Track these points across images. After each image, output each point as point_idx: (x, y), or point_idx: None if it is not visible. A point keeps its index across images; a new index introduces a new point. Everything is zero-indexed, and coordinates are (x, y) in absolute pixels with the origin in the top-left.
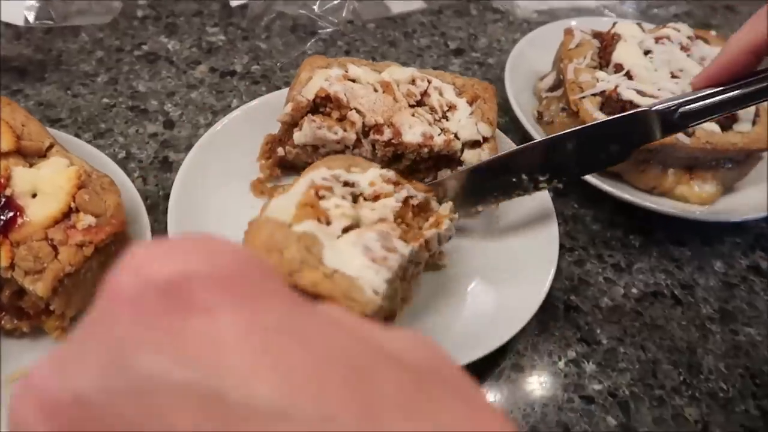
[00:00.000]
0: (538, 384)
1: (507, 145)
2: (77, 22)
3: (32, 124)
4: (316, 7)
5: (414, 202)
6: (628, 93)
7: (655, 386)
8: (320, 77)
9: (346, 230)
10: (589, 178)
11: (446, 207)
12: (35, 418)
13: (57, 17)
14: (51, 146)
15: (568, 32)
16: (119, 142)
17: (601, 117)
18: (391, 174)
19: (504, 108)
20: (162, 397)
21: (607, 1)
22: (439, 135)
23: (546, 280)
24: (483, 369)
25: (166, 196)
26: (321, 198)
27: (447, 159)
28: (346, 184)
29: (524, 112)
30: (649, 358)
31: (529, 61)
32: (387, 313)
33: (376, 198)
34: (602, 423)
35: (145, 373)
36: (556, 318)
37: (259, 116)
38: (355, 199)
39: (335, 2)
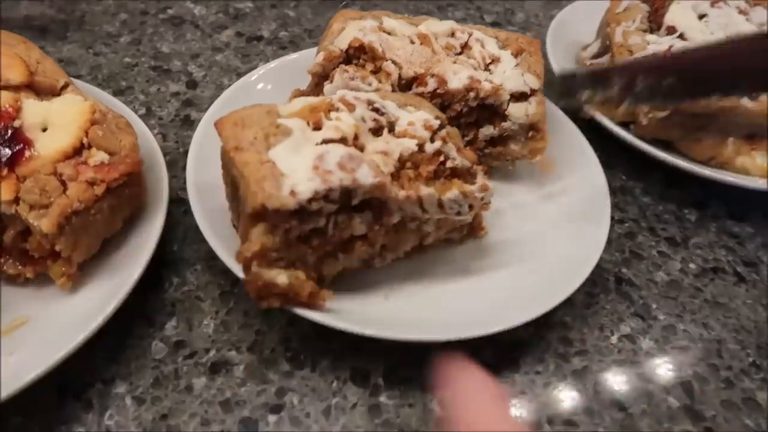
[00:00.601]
0: (588, 359)
1: (549, 108)
2: None
3: (47, 62)
4: None
5: (451, 164)
6: None
7: (722, 367)
8: (354, 28)
9: (328, 141)
10: (643, 145)
11: (486, 194)
12: None
13: None
14: (66, 86)
15: None
16: (140, 100)
17: None
18: (437, 124)
19: (546, 81)
20: None
21: None
22: (485, 80)
23: (596, 248)
24: (527, 341)
25: (186, 153)
26: (335, 110)
27: (490, 113)
28: (375, 110)
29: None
30: (713, 337)
31: (569, 32)
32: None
33: (402, 136)
34: (663, 404)
35: None
36: (606, 291)
37: (285, 73)
38: (379, 129)
39: None
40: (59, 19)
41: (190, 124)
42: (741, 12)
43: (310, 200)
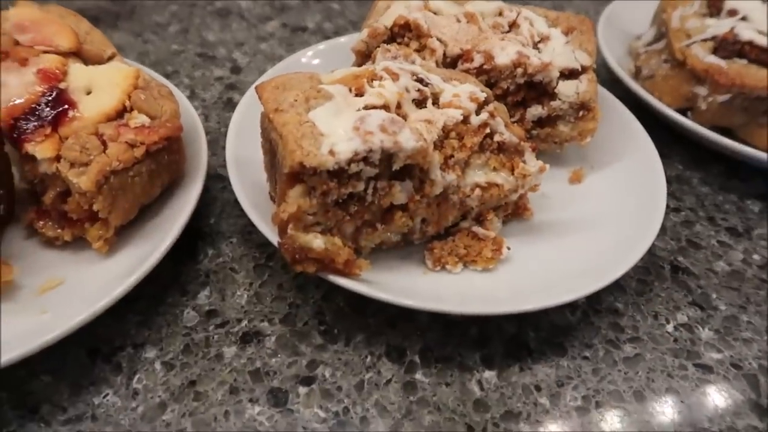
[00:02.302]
0: (642, 347)
1: (600, 90)
2: None
3: (96, 33)
4: None
5: (499, 138)
6: (747, 33)
7: None
8: (399, 6)
9: (370, 108)
10: (703, 131)
11: (535, 166)
12: None
13: None
14: (113, 56)
15: None
16: (184, 83)
17: (715, 61)
18: (483, 96)
19: (598, 72)
20: None
21: None
22: (535, 56)
23: (648, 234)
24: (575, 326)
25: (226, 133)
26: (378, 78)
27: (538, 92)
28: (419, 81)
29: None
30: None
31: (622, 23)
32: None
33: (447, 107)
34: (724, 396)
35: None
36: (661, 279)
37: (328, 55)
38: (423, 100)
39: None
40: (112, 10)
41: (232, 106)
42: None
43: (349, 161)
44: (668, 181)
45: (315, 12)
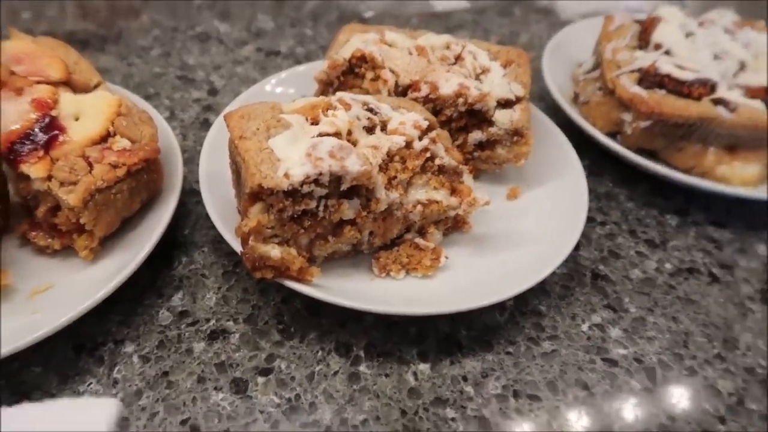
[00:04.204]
0: (558, 344)
1: (539, 117)
2: None
3: (83, 63)
4: None
5: (439, 161)
6: (666, 67)
7: (686, 357)
8: (357, 39)
9: (323, 135)
10: (631, 156)
11: (479, 198)
12: None
13: None
14: (99, 84)
15: (609, 17)
16: (165, 104)
17: (638, 91)
18: (425, 124)
19: (541, 94)
20: None
21: (654, 1)
22: (474, 88)
23: (567, 245)
24: (502, 326)
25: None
26: (333, 108)
27: (478, 119)
28: (370, 110)
29: (561, 96)
30: (680, 330)
31: (568, 52)
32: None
33: (393, 133)
34: (625, 386)
35: None
36: (582, 284)
37: (294, 81)
38: (373, 127)
39: None
40: (99, 35)
41: (208, 126)
42: (727, 32)
43: (302, 183)
44: (598, 197)
45: (288, 37)
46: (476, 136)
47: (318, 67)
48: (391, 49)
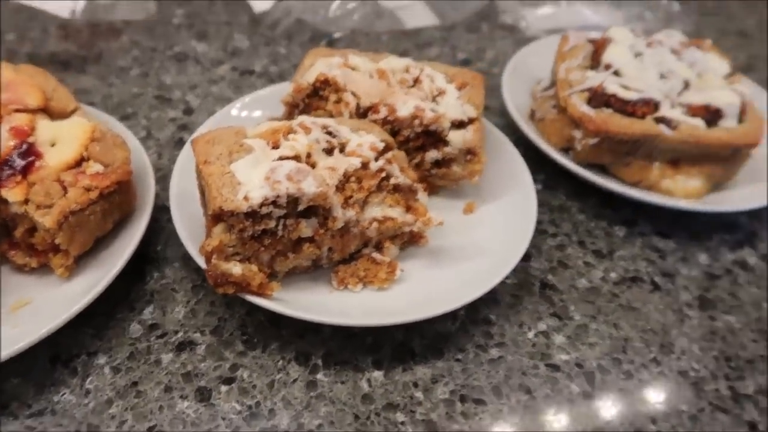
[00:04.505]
0: (505, 350)
1: (496, 135)
2: (112, 17)
3: (61, 90)
4: (330, 10)
5: (394, 181)
6: (612, 87)
7: (624, 361)
8: (322, 64)
9: (283, 158)
10: (579, 170)
11: (433, 218)
12: None
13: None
14: (75, 110)
15: (564, 37)
16: (142, 124)
17: (587, 110)
18: (381, 146)
19: (502, 110)
20: None
21: (617, 23)
22: (430, 110)
23: (514, 257)
24: (453, 334)
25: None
26: (293, 132)
27: (434, 139)
28: (329, 133)
29: (520, 113)
30: (620, 336)
31: (529, 68)
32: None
33: (351, 155)
34: (565, 390)
35: None
36: (531, 294)
37: (264, 102)
38: (332, 149)
39: (349, 6)
40: (80, 55)
41: (183, 145)
42: (674, 52)
43: (260, 205)
44: (551, 210)
45: (263, 56)
46: (432, 155)
47: (281, 90)
48: (353, 73)
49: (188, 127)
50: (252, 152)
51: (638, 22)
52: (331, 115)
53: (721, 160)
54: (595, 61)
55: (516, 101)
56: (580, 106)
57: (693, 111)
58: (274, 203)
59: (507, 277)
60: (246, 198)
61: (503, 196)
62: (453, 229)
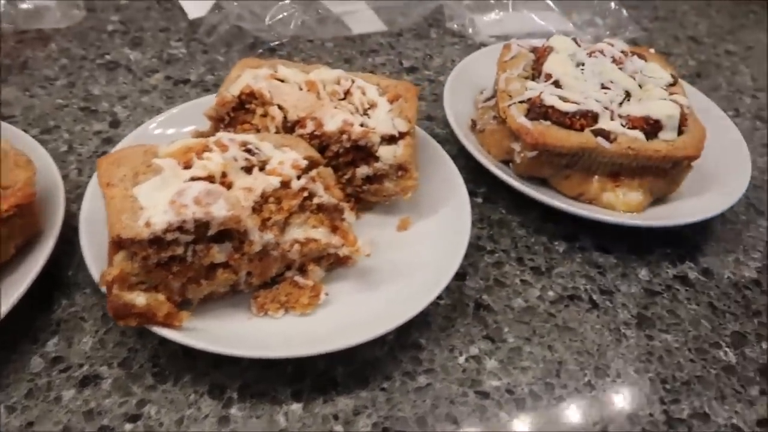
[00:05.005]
0: (433, 377)
1: (433, 147)
2: (38, 26)
3: None
4: (268, 17)
5: (318, 200)
6: (550, 99)
7: (557, 386)
8: (248, 75)
9: (196, 179)
10: (516, 184)
11: (361, 249)
12: None
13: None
14: None
15: (506, 46)
16: (63, 138)
17: (524, 122)
18: (304, 164)
19: (445, 120)
20: None
21: (566, 28)
22: (359, 125)
23: (447, 273)
24: (381, 360)
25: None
26: (209, 150)
27: (365, 154)
28: (248, 151)
29: (461, 123)
30: (555, 359)
31: (474, 77)
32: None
33: (271, 174)
34: (494, 418)
35: None
36: (464, 315)
37: (190, 115)
38: (251, 167)
39: (284, 15)
40: (4, 64)
41: None
42: (615, 61)
43: (164, 231)
44: (491, 225)
45: (199, 64)
46: (363, 170)
47: (209, 102)
48: (282, 85)
49: (113, 141)
50: (160, 173)
51: (589, 28)
52: (257, 130)
53: (662, 173)
54: (536, 71)
55: (459, 111)
56: (518, 117)
57: (632, 123)
58: (180, 229)
59: (440, 298)
60: (148, 224)
61: (439, 212)
62: (385, 247)
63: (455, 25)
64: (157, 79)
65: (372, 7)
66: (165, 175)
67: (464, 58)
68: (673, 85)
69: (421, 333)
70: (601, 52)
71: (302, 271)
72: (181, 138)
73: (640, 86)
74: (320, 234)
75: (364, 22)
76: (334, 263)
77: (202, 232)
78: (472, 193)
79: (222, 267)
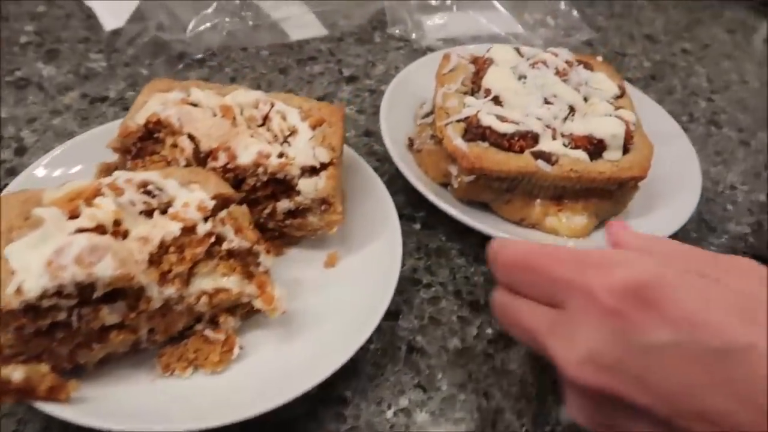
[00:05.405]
0: None
1: (365, 172)
2: None
3: None
4: (187, 32)
5: (228, 245)
6: (487, 119)
7: None
8: (156, 101)
9: (83, 230)
10: (453, 212)
11: (278, 307)
12: (595, 375)
13: None
14: None
15: (446, 57)
16: None
17: (460, 144)
18: (211, 205)
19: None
20: (668, 353)
21: (516, 30)
22: (278, 157)
23: (371, 321)
24: (301, 419)
25: None
26: (101, 195)
27: (285, 186)
28: (147, 192)
29: (399, 140)
30: (491, 407)
31: (417, 88)
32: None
33: (174, 218)
34: None
35: (654, 342)
36: (395, 361)
37: (98, 144)
38: (151, 210)
39: (205, 26)
40: None
41: None
42: (559, 73)
43: (39, 298)
44: (428, 254)
45: (120, 79)
46: (284, 205)
47: (113, 129)
48: (194, 111)
49: (17, 171)
50: (41, 226)
51: (540, 29)
52: (168, 161)
53: (608, 194)
54: (475, 84)
55: (399, 125)
56: (454, 139)
57: (576, 142)
58: (59, 294)
59: (370, 341)
60: (19, 291)
61: (370, 245)
62: (310, 286)
63: (397, 31)
64: (72, 97)
65: (313, 10)
66: (46, 228)
67: (404, 69)
68: (620, 97)
69: (347, 384)
70: (544, 63)
71: (214, 322)
72: (78, 178)
73: (585, 99)
74: (232, 283)
75: (303, 26)
76: (251, 311)
77: (87, 293)
78: (410, 219)
79: (116, 328)
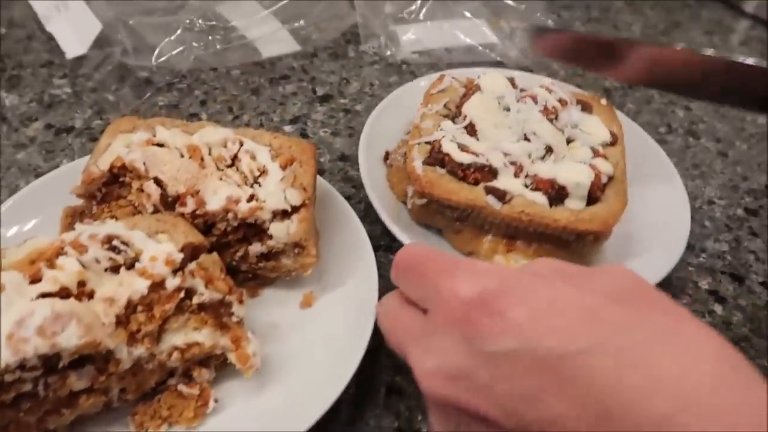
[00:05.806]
0: None
1: (339, 205)
2: None
3: None
4: (153, 59)
5: (198, 299)
6: (448, 146)
7: None
8: (120, 143)
9: (46, 295)
10: (403, 237)
11: (252, 364)
12: (443, 385)
13: None
14: None
15: (440, 77)
16: None
17: (418, 166)
18: (179, 258)
19: None
20: (511, 361)
21: (491, 41)
22: (248, 201)
23: (350, 367)
24: None
25: None
26: (63, 254)
27: (255, 230)
28: (112, 248)
29: (377, 155)
30: None
31: (404, 109)
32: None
33: (141, 273)
34: None
35: (498, 350)
36: (374, 405)
37: (65, 185)
38: (117, 267)
39: (171, 54)
40: None
41: None
42: (546, 111)
43: (2, 373)
44: None
45: (86, 106)
46: (256, 248)
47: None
48: (160, 152)
49: None
50: (2, 292)
51: (517, 37)
52: (135, 206)
53: (565, 244)
54: (459, 109)
55: (382, 146)
56: (415, 160)
57: (538, 184)
58: (23, 367)
59: (348, 386)
60: None
61: (346, 283)
62: (287, 329)
63: (372, 46)
64: (36, 128)
65: (285, 26)
66: (7, 293)
67: (394, 90)
68: (611, 144)
69: (325, 428)
70: (533, 98)
71: (187, 376)
72: (36, 235)
73: (569, 141)
74: (204, 336)
75: (276, 43)
76: (225, 362)
77: (53, 363)
78: (387, 249)
79: (86, 392)
